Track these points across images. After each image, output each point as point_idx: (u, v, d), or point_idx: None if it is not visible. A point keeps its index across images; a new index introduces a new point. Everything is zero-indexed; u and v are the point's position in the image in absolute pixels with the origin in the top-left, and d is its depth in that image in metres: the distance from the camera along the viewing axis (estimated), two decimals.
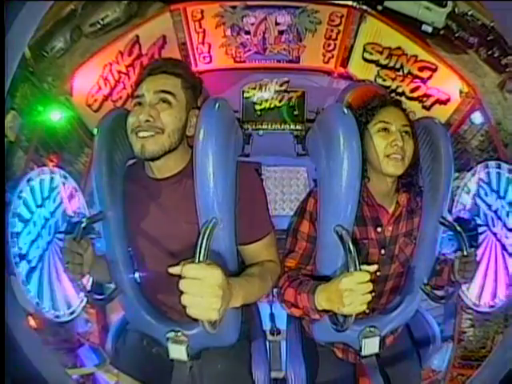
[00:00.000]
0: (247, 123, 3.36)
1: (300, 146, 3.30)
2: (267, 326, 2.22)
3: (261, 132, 3.37)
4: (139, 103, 1.10)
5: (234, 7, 3.29)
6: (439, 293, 1.28)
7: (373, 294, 0.95)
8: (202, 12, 3.28)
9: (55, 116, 2.99)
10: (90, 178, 2.78)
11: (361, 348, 1.22)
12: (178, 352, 1.14)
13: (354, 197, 1.08)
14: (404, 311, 1.27)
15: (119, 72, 3.22)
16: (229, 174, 1.05)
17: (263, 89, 3.39)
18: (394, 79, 3.31)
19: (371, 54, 3.32)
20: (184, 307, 0.79)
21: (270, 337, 2.19)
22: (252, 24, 3.35)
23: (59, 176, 2.00)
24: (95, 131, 1.17)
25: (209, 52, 3.39)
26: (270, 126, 3.39)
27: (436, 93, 3.24)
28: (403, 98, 3.23)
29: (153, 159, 1.10)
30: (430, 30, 4.83)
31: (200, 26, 3.32)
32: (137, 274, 1.19)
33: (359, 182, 1.08)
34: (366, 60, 3.36)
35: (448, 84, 3.23)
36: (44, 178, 1.85)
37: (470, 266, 1.17)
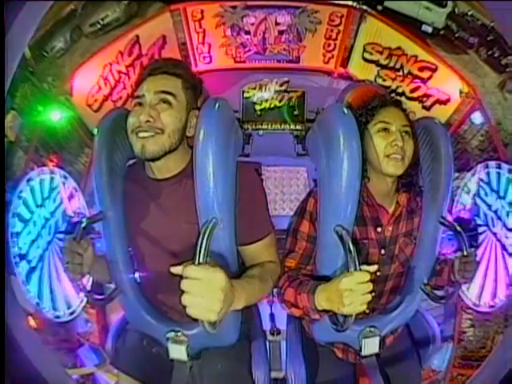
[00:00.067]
0: (247, 123, 3.36)
1: (300, 145, 3.30)
2: (267, 326, 2.22)
3: (261, 132, 3.37)
4: (139, 103, 1.10)
5: (234, 7, 3.29)
6: (439, 293, 1.28)
7: (373, 294, 0.95)
8: (202, 12, 3.29)
9: (55, 116, 2.99)
10: (89, 178, 2.78)
11: (361, 348, 1.22)
12: (178, 352, 1.14)
13: (354, 197, 1.08)
14: (404, 311, 1.27)
15: (119, 72, 3.22)
16: (229, 174, 1.05)
17: (263, 89, 3.39)
18: (394, 79, 3.31)
19: (371, 54, 3.32)
20: (184, 307, 0.80)
21: (270, 337, 2.19)
22: (252, 24, 3.35)
23: (59, 176, 2.00)
24: (95, 131, 1.17)
25: (209, 52, 3.39)
26: (270, 126, 3.40)
27: (436, 93, 3.24)
28: (403, 98, 3.23)
29: (153, 159, 1.10)
30: (430, 30, 4.83)
31: (200, 26, 3.32)
32: (137, 274, 1.19)
33: (359, 182, 1.07)
34: (366, 60, 3.36)
35: (448, 84, 3.23)
36: (44, 178, 1.85)
37: (470, 266, 1.17)
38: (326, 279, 1.05)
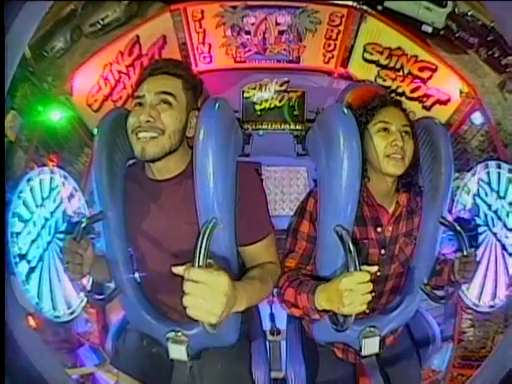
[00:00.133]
0: (247, 123, 3.36)
1: (300, 145, 3.30)
2: (267, 326, 2.22)
3: (261, 132, 3.37)
4: (140, 104, 1.10)
5: (234, 7, 3.29)
6: (439, 293, 1.28)
7: (373, 294, 0.95)
8: (202, 12, 3.29)
9: (55, 116, 2.99)
10: (89, 177, 2.78)
11: (361, 348, 1.22)
12: (178, 352, 1.14)
13: (354, 197, 1.08)
14: (404, 311, 1.27)
15: (119, 72, 3.22)
16: (229, 174, 1.05)
17: (263, 89, 3.39)
18: (394, 79, 3.31)
19: (371, 54, 3.32)
20: (184, 308, 0.80)
21: (269, 337, 2.19)
22: (252, 24, 3.35)
23: (59, 176, 2.00)
24: (95, 131, 1.17)
25: (209, 52, 3.39)
26: (270, 126, 3.40)
27: (436, 93, 3.24)
28: (403, 99, 3.23)
29: (153, 161, 1.10)
30: (430, 30, 4.84)
31: (200, 26, 3.33)
32: (137, 274, 1.19)
33: (359, 182, 1.07)
34: (366, 60, 3.36)
35: (448, 84, 3.23)
36: (44, 178, 1.85)
37: (470, 266, 1.17)
38: (326, 279, 1.05)
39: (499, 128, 3.73)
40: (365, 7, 3.30)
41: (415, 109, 3.16)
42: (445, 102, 3.24)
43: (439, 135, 1.26)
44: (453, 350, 2.81)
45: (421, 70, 3.25)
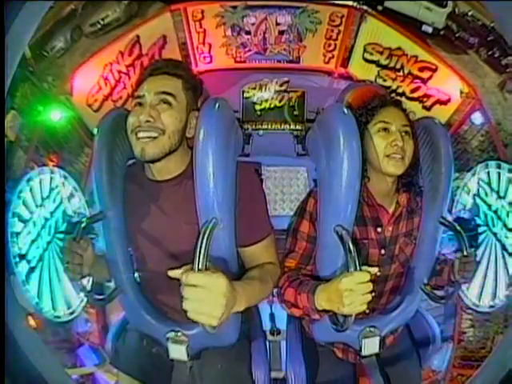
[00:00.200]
0: (247, 123, 3.36)
1: (300, 145, 3.30)
2: (267, 325, 2.22)
3: (261, 132, 3.37)
4: (140, 104, 1.10)
5: (234, 7, 3.29)
6: (439, 293, 1.28)
7: (373, 293, 0.95)
8: (202, 12, 3.29)
9: (55, 116, 3.00)
10: (90, 177, 2.78)
11: (361, 348, 1.22)
12: (178, 352, 1.14)
13: (354, 197, 1.08)
14: (404, 311, 1.27)
15: (119, 72, 3.22)
16: (229, 174, 1.05)
17: (263, 89, 3.39)
18: (394, 79, 3.31)
19: (371, 54, 3.32)
20: (185, 311, 0.80)
21: (270, 337, 2.19)
22: (252, 24, 3.35)
23: (59, 176, 2.00)
24: (95, 131, 1.16)
25: (209, 52, 3.39)
26: (270, 126, 3.40)
27: (436, 93, 3.25)
28: (403, 99, 3.23)
29: (153, 161, 1.10)
30: (430, 30, 4.84)
31: (200, 26, 3.33)
32: (137, 274, 1.19)
33: (359, 182, 1.07)
34: (366, 60, 3.36)
35: (448, 84, 3.23)
36: (44, 178, 1.85)
37: (470, 266, 1.17)
38: (326, 279, 1.05)
39: (499, 128, 3.74)
40: (365, 7, 3.30)
41: (415, 109, 3.16)
42: (445, 102, 3.24)
43: (439, 135, 1.26)
44: (453, 350, 2.81)
45: (421, 70, 3.25)
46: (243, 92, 3.36)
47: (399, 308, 1.26)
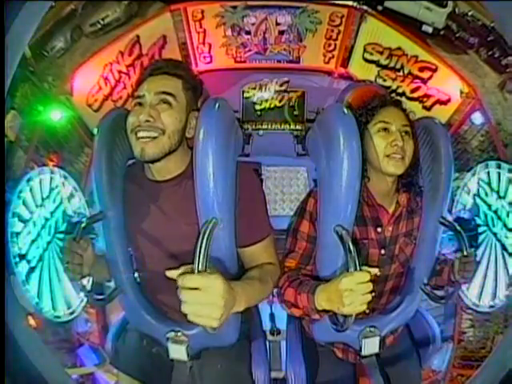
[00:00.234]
0: (247, 123, 3.36)
1: (300, 146, 3.30)
2: (267, 325, 2.23)
3: (261, 132, 3.37)
4: (140, 103, 1.10)
5: (234, 7, 3.29)
6: (439, 293, 1.28)
7: (373, 294, 0.95)
8: (202, 12, 3.29)
9: (55, 116, 2.99)
10: (90, 177, 2.78)
11: (361, 348, 1.22)
12: (178, 352, 1.14)
13: (354, 197, 1.08)
14: (404, 311, 1.27)
15: (119, 72, 3.22)
16: (229, 174, 1.05)
17: (263, 89, 3.39)
18: (394, 79, 3.31)
19: (371, 54, 3.32)
20: (185, 314, 0.79)
21: (270, 337, 2.19)
22: (252, 24, 3.35)
23: (59, 176, 2.00)
24: (95, 131, 1.16)
25: (209, 52, 3.39)
26: (270, 126, 3.39)
27: (436, 93, 3.24)
28: (403, 99, 3.23)
29: (153, 161, 1.10)
30: (430, 30, 4.84)
31: (200, 26, 3.33)
32: (137, 274, 1.19)
33: (359, 182, 1.07)
34: (366, 60, 3.36)
35: (448, 84, 3.23)
36: (44, 178, 1.84)
37: (470, 265, 1.17)
38: (326, 279, 1.05)
39: (499, 128, 3.74)
40: (365, 7, 3.30)
41: (415, 109, 3.16)
42: (445, 102, 3.24)
43: (439, 135, 1.26)
44: (453, 350, 2.81)
45: (421, 70, 3.25)
46: (243, 92, 3.36)
47: (399, 308, 1.26)
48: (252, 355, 1.32)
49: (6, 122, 2.90)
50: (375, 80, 3.29)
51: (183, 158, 1.15)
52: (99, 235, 1.16)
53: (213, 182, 1.00)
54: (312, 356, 1.37)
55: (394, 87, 3.31)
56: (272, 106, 3.40)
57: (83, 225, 1.06)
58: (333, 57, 3.40)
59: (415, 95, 3.28)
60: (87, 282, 1.15)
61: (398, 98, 2.74)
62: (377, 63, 3.33)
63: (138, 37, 3.22)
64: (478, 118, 3.18)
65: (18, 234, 1.57)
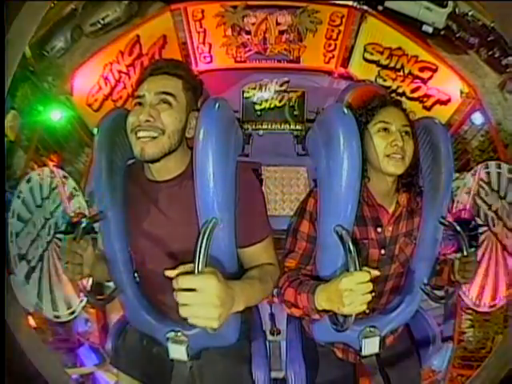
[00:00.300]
0: (247, 123, 3.36)
1: (300, 146, 3.30)
2: (267, 325, 2.23)
3: (261, 132, 3.37)
4: (140, 103, 1.10)
5: (234, 7, 3.29)
6: (439, 293, 1.28)
7: (373, 293, 0.95)
8: (202, 12, 3.29)
9: (55, 116, 3.00)
10: (90, 177, 2.78)
11: (361, 348, 1.21)
12: (178, 352, 1.13)
13: (354, 197, 1.07)
14: (404, 311, 1.27)
15: (120, 71, 3.22)
16: (229, 174, 1.05)
17: (263, 89, 3.39)
18: (394, 79, 3.31)
19: (372, 54, 3.32)
20: (184, 318, 0.79)
21: (269, 337, 2.20)
22: (253, 24, 3.35)
23: (59, 176, 2.00)
24: (95, 131, 1.16)
25: (209, 52, 3.39)
26: (270, 126, 3.39)
27: (436, 93, 3.25)
28: (404, 99, 3.24)
29: (152, 161, 1.10)
30: (430, 30, 4.84)
31: (201, 26, 3.33)
32: (137, 274, 1.19)
33: (359, 182, 1.07)
34: (366, 60, 3.36)
35: (448, 84, 3.23)
36: (44, 178, 1.85)
37: (470, 266, 1.17)
38: (326, 279, 1.05)
39: (499, 128, 3.74)
40: (365, 7, 3.30)
41: (415, 109, 3.17)
42: (445, 102, 3.24)
43: (439, 135, 1.25)
44: (453, 350, 2.81)
45: (421, 70, 3.25)
46: (243, 92, 3.36)
47: (399, 308, 1.26)
48: (252, 355, 1.31)
49: (6, 121, 2.90)
50: (375, 80, 3.30)
51: (183, 159, 1.15)
52: (99, 235, 1.16)
53: (213, 182, 0.99)
54: (312, 356, 1.37)
55: (394, 87, 3.31)
56: (272, 106, 3.40)
57: (83, 225, 1.06)
58: (333, 57, 3.40)
59: (415, 95, 3.29)
60: (87, 282, 1.15)
61: (398, 97, 2.74)
62: (377, 63, 3.33)
63: (138, 36, 3.23)
64: (478, 118, 3.18)
65: (17, 233, 1.57)
